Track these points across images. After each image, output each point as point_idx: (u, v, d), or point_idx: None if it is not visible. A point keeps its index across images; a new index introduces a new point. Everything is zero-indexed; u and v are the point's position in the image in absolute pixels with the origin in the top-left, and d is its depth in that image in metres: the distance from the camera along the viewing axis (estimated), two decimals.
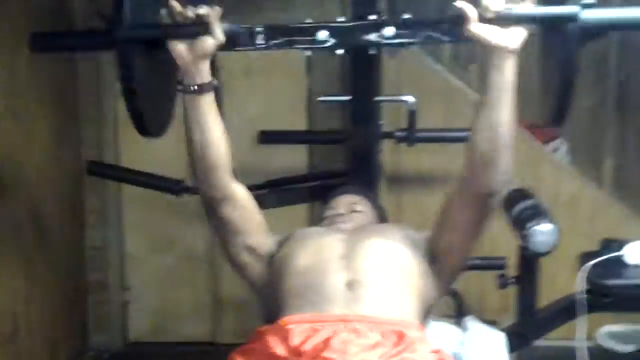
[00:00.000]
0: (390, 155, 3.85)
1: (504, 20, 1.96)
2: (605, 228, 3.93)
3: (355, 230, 2.36)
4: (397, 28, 2.20)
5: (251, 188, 2.34)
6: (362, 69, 3.00)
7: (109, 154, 4.18)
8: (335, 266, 2.16)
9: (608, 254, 2.93)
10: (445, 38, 2.15)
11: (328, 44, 2.23)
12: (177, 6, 2.06)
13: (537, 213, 2.78)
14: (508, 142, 2.02)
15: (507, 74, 1.97)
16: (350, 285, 2.11)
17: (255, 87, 4.12)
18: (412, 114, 3.29)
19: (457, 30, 2.04)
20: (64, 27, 3.94)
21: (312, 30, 2.23)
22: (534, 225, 2.71)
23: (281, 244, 2.34)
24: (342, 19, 2.29)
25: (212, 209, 2.25)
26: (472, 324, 2.77)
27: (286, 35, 2.24)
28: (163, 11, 2.08)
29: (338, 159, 3.82)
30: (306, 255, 2.22)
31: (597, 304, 2.86)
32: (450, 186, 2.18)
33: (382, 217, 2.61)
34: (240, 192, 2.26)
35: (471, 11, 1.96)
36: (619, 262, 2.91)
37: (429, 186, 3.96)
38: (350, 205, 2.52)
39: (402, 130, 3.35)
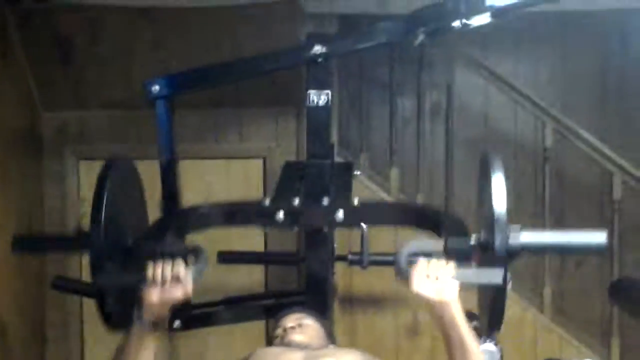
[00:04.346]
0: (342, 277, 3.82)
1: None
2: (546, 350, 3.92)
3: (313, 349, 2.35)
4: (347, 213, 2.26)
5: (210, 305, 2.30)
6: None
7: (72, 269, 4.10)
8: None
9: None
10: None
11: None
12: (158, 267, 2.09)
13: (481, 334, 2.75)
14: None
15: (458, 321, 2.04)
16: None
17: None
18: (364, 239, 3.28)
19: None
20: (33, 148, 3.95)
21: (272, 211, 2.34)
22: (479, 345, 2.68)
23: None
24: (297, 202, 2.42)
25: None
26: None
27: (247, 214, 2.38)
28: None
29: (293, 280, 3.78)
30: None
31: None
32: None
33: (329, 332, 2.60)
34: None
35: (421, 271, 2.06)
36: None
37: (380, 307, 3.92)
38: (298, 320, 2.52)
39: (354, 253, 3.33)
